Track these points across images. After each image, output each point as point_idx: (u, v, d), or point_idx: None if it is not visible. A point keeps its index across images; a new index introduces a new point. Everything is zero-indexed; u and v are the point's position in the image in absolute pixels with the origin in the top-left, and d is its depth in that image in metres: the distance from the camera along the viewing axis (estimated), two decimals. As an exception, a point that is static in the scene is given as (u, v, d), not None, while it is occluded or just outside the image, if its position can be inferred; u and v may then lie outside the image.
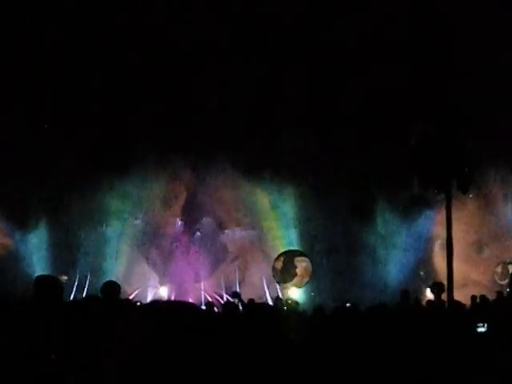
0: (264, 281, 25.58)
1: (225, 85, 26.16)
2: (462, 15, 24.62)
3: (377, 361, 8.14)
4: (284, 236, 27.02)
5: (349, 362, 8.36)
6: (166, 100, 26.19)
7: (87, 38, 25.13)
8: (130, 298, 22.48)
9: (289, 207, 27.03)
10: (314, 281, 25.05)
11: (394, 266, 26.64)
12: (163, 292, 25.92)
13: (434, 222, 25.19)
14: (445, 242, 20.60)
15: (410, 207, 25.99)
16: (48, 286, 5.57)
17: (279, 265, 23.97)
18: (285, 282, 23.86)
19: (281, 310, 10.23)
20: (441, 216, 26.30)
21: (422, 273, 26.41)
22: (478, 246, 26.98)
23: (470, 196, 22.27)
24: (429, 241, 26.47)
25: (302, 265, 24.02)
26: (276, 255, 25.22)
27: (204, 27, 25.84)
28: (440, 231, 27.02)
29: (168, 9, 26.15)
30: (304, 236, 26.46)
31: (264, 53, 26.38)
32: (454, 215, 26.23)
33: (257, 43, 26.31)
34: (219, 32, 26.20)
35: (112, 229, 26.81)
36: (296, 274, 23.87)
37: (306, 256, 24.35)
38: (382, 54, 25.51)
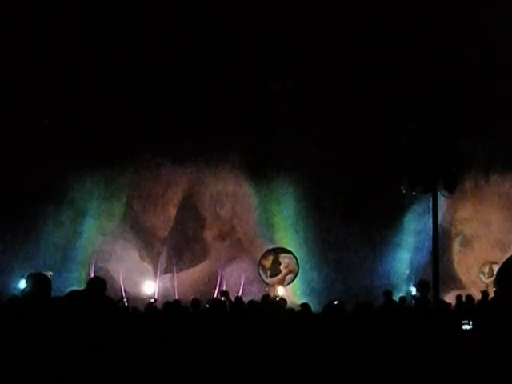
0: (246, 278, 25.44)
1: (225, 85, 26.18)
2: (462, 15, 24.62)
3: (361, 357, 8.17)
4: (281, 235, 27.00)
5: (335, 358, 8.39)
6: (166, 100, 26.20)
7: (87, 38, 25.24)
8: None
9: (285, 206, 26.99)
10: (306, 279, 25.01)
11: (390, 264, 26.55)
12: (149, 287, 25.60)
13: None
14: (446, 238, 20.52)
15: (406, 205, 25.84)
16: (41, 282, 5.73)
17: (268, 263, 23.87)
18: (271, 278, 23.77)
19: (268, 308, 10.26)
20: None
21: (407, 271, 26.27)
22: (503, 245, 26.68)
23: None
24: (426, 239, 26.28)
25: (284, 261, 23.92)
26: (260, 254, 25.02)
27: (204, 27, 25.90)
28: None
29: (168, 9, 26.19)
30: (301, 236, 26.41)
31: (264, 53, 26.41)
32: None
33: (256, 43, 26.33)
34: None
35: (106, 227, 26.88)
36: (281, 272, 23.79)
37: (290, 253, 24.20)
38: (382, 53, 25.51)
